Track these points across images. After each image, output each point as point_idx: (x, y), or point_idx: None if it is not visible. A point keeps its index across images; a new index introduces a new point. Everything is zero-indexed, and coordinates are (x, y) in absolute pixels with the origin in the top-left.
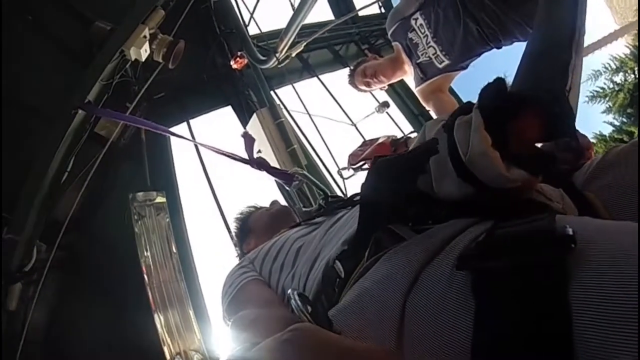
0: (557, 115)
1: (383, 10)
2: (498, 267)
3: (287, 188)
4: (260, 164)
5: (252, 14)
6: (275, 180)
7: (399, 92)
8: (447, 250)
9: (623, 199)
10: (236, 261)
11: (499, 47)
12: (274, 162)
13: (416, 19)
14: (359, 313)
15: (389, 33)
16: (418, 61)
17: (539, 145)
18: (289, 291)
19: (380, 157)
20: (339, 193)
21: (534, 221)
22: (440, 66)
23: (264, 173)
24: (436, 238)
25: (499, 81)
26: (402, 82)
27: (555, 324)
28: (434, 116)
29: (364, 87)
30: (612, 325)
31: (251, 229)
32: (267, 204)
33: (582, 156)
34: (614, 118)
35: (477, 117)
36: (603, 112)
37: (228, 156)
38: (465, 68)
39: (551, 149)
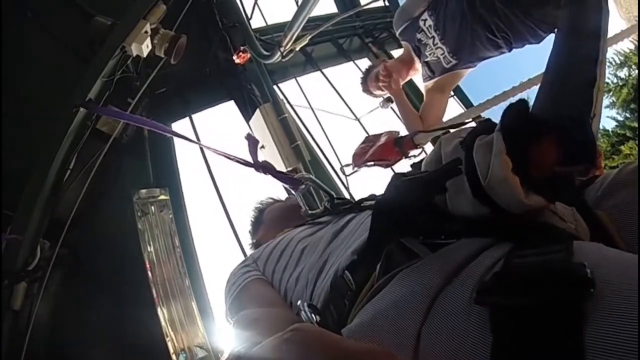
0: (580, 143)
1: (387, 4)
2: (515, 305)
3: (294, 192)
4: (265, 168)
5: (255, 4)
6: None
7: (404, 88)
8: (462, 275)
9: (634, 221)
10: (245, 248)
11: (509, 51)
12: (277, 158)
13: (425, 20)
14: (373, 336)
15: (398, 32)
16: (426, 60)
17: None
18: (299, 303)
19: (400, 174)
20: (342, 189)
21: (551, 252)
22: (447, 66)
23: (269, 177)
24: (451, 260)
25: (522, 103)
26: None
27: None
28: None
29: (379, 92)
30: None
31: (263, 219)
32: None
33: (594, 168)
34: (618, 113)
35: (499, 142)
36: (607, 107)
37: (232, 159)
38: (473, 66)
39: (567, 169)
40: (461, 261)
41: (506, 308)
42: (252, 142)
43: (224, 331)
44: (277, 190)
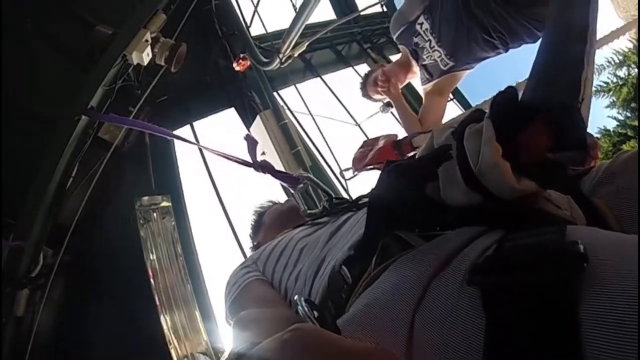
0: (569, 127)
1: (385, 9)
2: (508, 284)
3: (292, 191)
4: (264, 167)
5: (255, 12)
6: (280, 183)
7: (403, 92)
8: (456, 261)
9: (630, 206)
10: (248, 254)
11: (506, 51)
12: (278, 164)
13: (421, 24)
14: (367, 323)
15: (395, 36)
16: (424, 63)
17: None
18: (296, 297)
19: (390, 162)
20: (343, 193)
21: (544, 234)
22: (444, 68)
23: (268, 176)
24: (445, 248)
25: (511, 90)
26: None
27: (564, 345)
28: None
29: (378, 97)
30: (622, 348)
31: (263, 222)
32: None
33: (590, 157)
34: (618, 112)
35: (489, 128)
36: (607, 106)
37: (231, 159)
38: (471, 67)
39: (560, 156)
40: (454, 249)
41: (498, 287)
42: (251, 142)
43: (227, 337)
44: (277, 194)
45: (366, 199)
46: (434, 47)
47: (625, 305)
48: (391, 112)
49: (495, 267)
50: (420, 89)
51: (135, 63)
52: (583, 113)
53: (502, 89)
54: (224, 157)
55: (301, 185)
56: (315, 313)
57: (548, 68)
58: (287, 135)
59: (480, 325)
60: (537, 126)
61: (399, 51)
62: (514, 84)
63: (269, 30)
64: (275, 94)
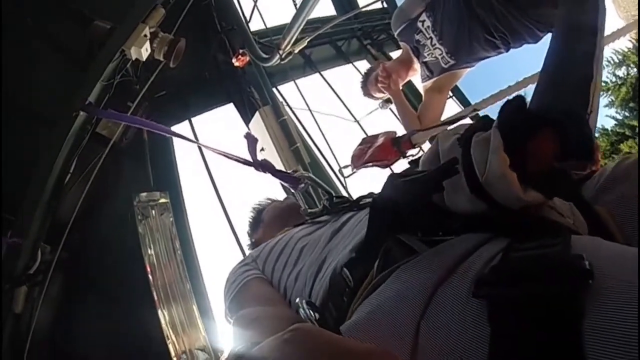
0: (578, 138)
1: (385, 5)
2: (513, 297)
3: (293, 191)
4: (264, 167)
5: (254, 7)
6: (280, 182)
7: (402, 89)
8: (461, 269)
9: (633, 214)
10: (246, 251)
11: (507, 50)
12: (277, 161)
13: (423, 21)
14: (371, 330)
15: (396, 33)
16: (425, 60)
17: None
18: (297, 300)
19: (395, 175)
20: (342, 190)
21: (549, 246)
22: (445, 66)
23: (269, 175)
24: (449, 255)
25: (519, 100)
26: None
27: (568, 358)
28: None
29: (379, 94)
30: None
31: (262, 219)
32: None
33: (592, 163)
34: (617, 112)
35: (497, 138)
36: (605, 105)
37: (231, 158)
38: (471, 66)
39: (565, 165)
40: (459, 256)
41: (504, 299)
42: (251, 141)
43: (225, 334)
44: (276, 192)
45: (368, 199)
46: (435, 44)
47: (628, 319)
48: (390, 109)
49: (500, 280)
50: (420, 86)
51: (133, 58)
52: (591, 124)
53: (502, 86)
54: (224, 155)
55: (302, 185)
56: (317, 315)
57: (557, 78)
58: (286, 132)
59: (485, 336)
60: (546, 136)
61: (399, 48)
62: (513, 83)
63: (268, 26)
64: (274, 89)
